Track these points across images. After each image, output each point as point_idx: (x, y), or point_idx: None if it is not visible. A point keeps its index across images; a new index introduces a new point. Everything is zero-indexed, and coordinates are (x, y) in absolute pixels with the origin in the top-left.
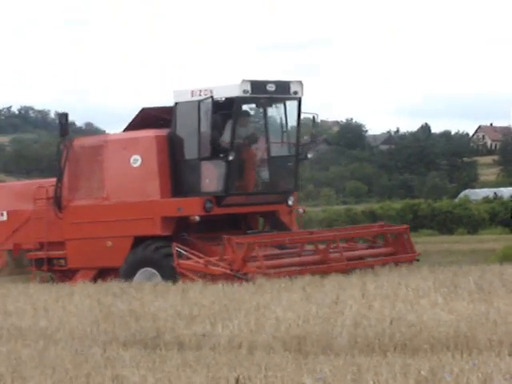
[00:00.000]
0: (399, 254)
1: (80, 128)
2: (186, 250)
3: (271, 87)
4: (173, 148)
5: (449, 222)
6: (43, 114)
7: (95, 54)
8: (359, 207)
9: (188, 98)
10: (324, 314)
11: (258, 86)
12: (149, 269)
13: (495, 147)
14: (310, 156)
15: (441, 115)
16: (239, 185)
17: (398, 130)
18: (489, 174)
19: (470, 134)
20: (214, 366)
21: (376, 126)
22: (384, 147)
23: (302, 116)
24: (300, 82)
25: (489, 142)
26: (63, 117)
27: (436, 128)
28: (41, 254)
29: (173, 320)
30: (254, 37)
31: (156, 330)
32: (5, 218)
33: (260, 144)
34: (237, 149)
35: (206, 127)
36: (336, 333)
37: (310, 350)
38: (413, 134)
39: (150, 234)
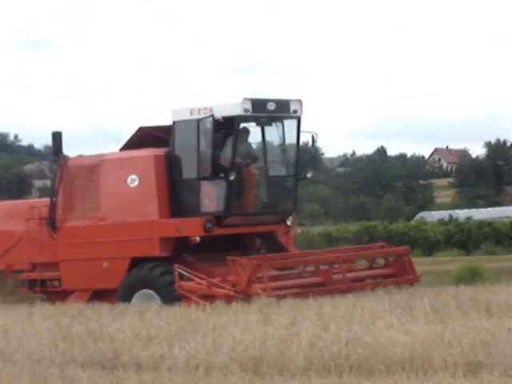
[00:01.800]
0: (400, 275)
1: (39, 151)
2: (187, 272)
3: (271, 106)
4: (171, 167)
5: (404, 244)
6: (3, 136)
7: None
8: (315, 229)
9: (187, 116)
10: (280, 336)
11: (258, 105)
12: (147, 291)
13: (451, 169)
14: (309, 175)
15: (396, 137)
16: (239, 205)
17: (354, 153)
18: (444, 196)
19: (426, 156)
20: None
21: (332, 148)
22: (340, 170)
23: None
24: (299, 101)
25: (445, 165)
26: (57, 135)
27: (392, 151)
28: (34, 275)
29: (130, 341)
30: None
31: (114, 351)
32: None
33: (259, 163)
34: (237, 168)
35: (206, 146)
36: (292, 354)
37: (266, 371)
38: (369, 157)
39: (148, 256)
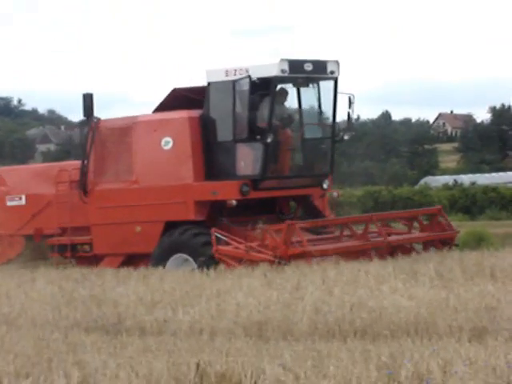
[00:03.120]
0: (440, 236)
1: (42, 115)
2: (225, 236)
3: (308, 66)
4: (206, 130)
5: (409, 209)
6: (6, 101)
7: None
8: None
9: (222, 77)
10: (285, 300)
11: (295, 66)
12: (182, 255)
13: (455, 134)
14: (346, 138)
15: (401, 102)
16: (275, 168)
17: (358, 118)
18: (449, 161)
19: (431, 121)
20: (175, 352)
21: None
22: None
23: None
24: (336, 62)
25: (449, 130)
26: (88, 97)
27: (396, 115)
28: (64, 239)
29: (134, 306)
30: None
31: (117, 315)
32: (23, 202)
33: (295, 125)
34: (274, 130)
35: (242, 108)
36: (296, 319)
37: (270, 336)
38: (373, 122)
39: (183, 219)
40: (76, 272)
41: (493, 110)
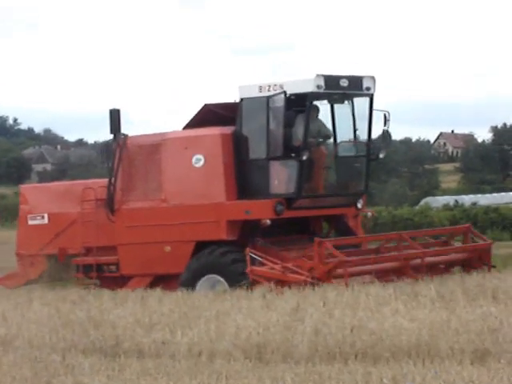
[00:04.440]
0: (474, 262)
1: (38, 134)
2: (260, 256)
3: (344, 82)
4: (238, 147)
5: (410, 229)
6: (1, 119)
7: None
8: None
9: (256, 93)
10: (284, 322)
11: (331, 81)
12: (214, 276)
13: (456, 154)
14: (381, 156)
15: (401, 122)
16: (310, 186)
17: (358, 137)
18: (450, 181)
19: (431, 140)
20: (174, 374)
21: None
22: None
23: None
24: (373, 78)
25: (450, 149)
26: (115, 113)
27: (397, 135)
28: (89, 259)
29: (132, 328)
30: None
31: (115, 337)
32: (46, 221)
33: (329, 143)
34: (309, 148)
35: (276, 124)
36: (297, 341)
37: (270, 358)
38: (373, 141)
39: (215, 239)
40: (73, 293)
41: (494, 129)
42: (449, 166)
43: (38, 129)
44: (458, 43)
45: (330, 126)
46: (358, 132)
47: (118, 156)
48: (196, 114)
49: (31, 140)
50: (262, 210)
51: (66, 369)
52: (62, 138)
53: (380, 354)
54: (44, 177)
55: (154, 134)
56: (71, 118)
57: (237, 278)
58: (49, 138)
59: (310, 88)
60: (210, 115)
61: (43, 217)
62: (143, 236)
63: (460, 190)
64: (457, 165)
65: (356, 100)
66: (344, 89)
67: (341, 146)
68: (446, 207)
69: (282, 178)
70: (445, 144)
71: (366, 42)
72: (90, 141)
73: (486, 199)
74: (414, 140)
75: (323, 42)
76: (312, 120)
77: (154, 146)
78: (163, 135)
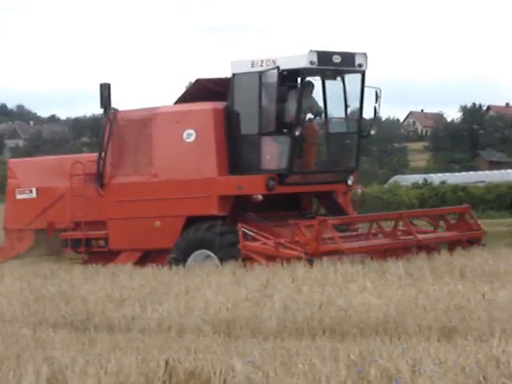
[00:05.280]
0: (465, 237)
1: (12, 110)
2: (253, 231)
3: (337, 59)
4: (229, 122)
5: (378, 208)
6: None
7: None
8: None
9: (248, 68)
10: (253, 298)
11: (324, 57)
12: (203, 251)
13: (426, 133)
14: (372, 133)
15: (371, 100)
16: (301, 162)
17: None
18: (419, 160)
19: (401, 119)
20: (144, 349)
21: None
22: None
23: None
24: (365, 54)
25: (419, 128)
26: (105, 88)
27: (366, 113)
28: (78, 234)
29: (103, 303)
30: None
31: (86, 312)
32: (34, 195)
33: (320, 119)
34: (301, 124)
35: (269, 100)
36: (265, 316)
37: (239, 333)
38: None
39: (206, 214)
40: (45, 268)
41: (463, 109)
42: (418, 145)
43: (11, 105)
44: (428, 22)
45: (321, 102)
46: (349, 109)
47: (108, 130)
48: (187, 89)
49: (4, 116)
50: (253, 186)
51: (37, 343)
52: (35, 114)
53: (348, 331)
54: (17, 153)
55: (145, 109)
56: (44, 94)
57: (226, 249)
58: (22, 114)
59: (303, 64)
60: (201, 90)
61: (31, 191)
62: (133, 211)
63: (429, 168)
64: (426, 144)
65: (347, 77)
66: (337, 65)
67: (332, 122)
68: (415, 186)
69: (273, 153)
70: (414, 123)
71: (333, 21)
72: (63, 117)
73: (454, 178)
74: (383, 119)
75: (293, 20)
76: (305, 96)
77: (145, 121)
78: (154, 109)
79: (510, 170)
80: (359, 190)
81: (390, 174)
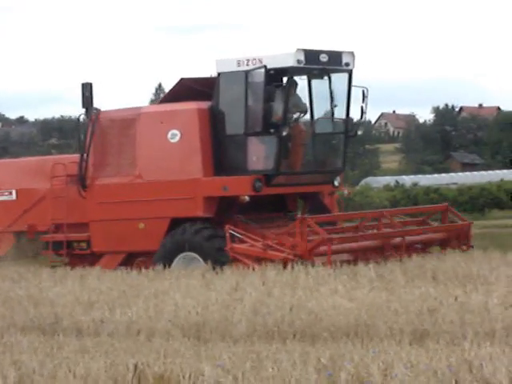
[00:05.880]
0: (453, 242)
1: None
2: (240, 233)
3: (324, 58)
4: (215, 122)
5: (350, 209)
6: None
7: None
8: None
9: (234, 67)
10: (223, 301)
11: (311, 56)
12: (190, 254)
13: (398, 135)
14: (360, 133)
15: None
16: (288, 163)
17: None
18: (391, 161)
19: (373, 121)
20: (113, 353)
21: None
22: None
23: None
24: (352, 53)
25: (391, 130)
26: (87, 87)
27: (338, 114)
28: (59, 236)
29: (71, 306)
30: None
31: (54, 315)
32: (14, 197)
33: (306, 119)
34: (289, 124)
35: (255, 100)
36: (235, 320)
37: (208, 337)
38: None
39: (191, 216)
40: (13, 271)
41: (436, 110)
42: (390, 147)
43: None
44: (400, 23)
45: (307, 102)
46: (336, 108)
47: (91, 131)
48: (172, 89)
49: None
50: (240, 187)
51: (5, 347)
52: (3, 115)
53: (318, 334)
54: None
55: (129, 109)
56: (12, 96)
57: (213, 254)
58: None
59: (290, 62)
60: (186, 90)
61: (11, 193)
62: (116, 212)
63: (401, 170)
64: (398, 145)
65: (333, 76)
66: (324, 64)
67: (318, 122)
68: (387, 188)
69: (260, 154)
70: (386, 124)
71: (305, 21)
72: (31, 118)
73: (426, 180)
74: (355, 120)
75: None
76: (290, 95)
77: (129, 121)
78: (138, 109)
79: (482, 172)
80: (345, 192)
81: (362, 176)
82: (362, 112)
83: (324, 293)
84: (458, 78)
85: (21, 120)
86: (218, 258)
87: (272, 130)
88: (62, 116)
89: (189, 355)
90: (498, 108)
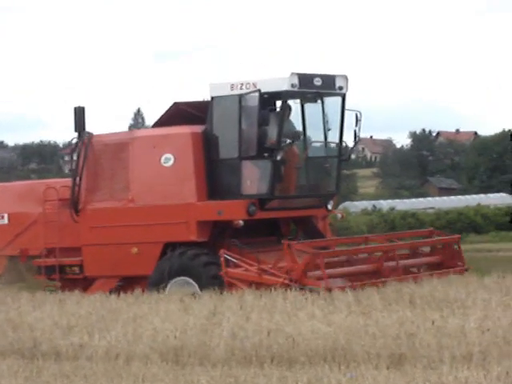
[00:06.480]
0: (447, 263)
1: None
2: (235, 258)
3: (318, 81)
4: (209, 146)
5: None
6: None
7: None
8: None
9: (227, 91)
10: (201, 325)
11: (305, 80)
12: (184, 278)
13: (375, 159)
14: (353, 157)
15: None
16: (282, 187)
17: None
18: (368, 186)
19: (350, 146)
20: (91, 377)
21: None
22: None
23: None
24: (345, 77)
25: (368, 155)
26: (80, 111)
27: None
28: (51, 260)
29: (50, 330)
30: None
31: (33, 340)
32: (5, 221)
33: (300, 143)
34: (283, 148)
35: (249, 124)
36: (213, 344)
37: (187, 361)
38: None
39: (184, 240)
40: None
41: (413, 135)
42: (367, 172)
43: None
44: (376, 48)
45: (300, 126)
46: (329, 132)
47: (83, 155)
48: (165, 113)
49: None
50: (234, 211)
51: None
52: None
53: (296, 358)
54: None
55: (121, 133)
56: None
57: (209, 281)
58: None
59: (284, 86)
60: (179, 114)
61: (3, 217)
62: (109, 237)
63: (378, 195)
64: (375, 170)
65: (326, 100)
66: (318, 88)
67: (312, 146)
68: (364, 212)
69: (254, 178)
70: (363, 149)
71: (281, 44)
72: (11, 143)
73: (404, 204)
74: (332, 145)
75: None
76: (285, 119)
77: (121, 145)
78: (131, 133)
79: (459, 197)
80: (339, 215)
81: (340, 201)
82: (356, 136)
83: (302, 317)
84: (435, 103)
85: (1, 145)
86: (214, 285)
87: (266, 154)
88: (41, 141)
89: (167, 379)
90: (475, 133)
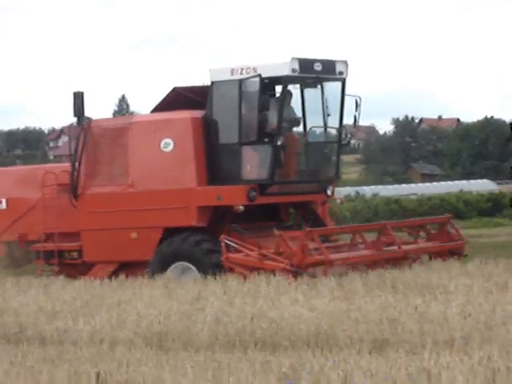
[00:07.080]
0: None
1: None
2: (236, 243)
3: (318, 66)
4: (209, 131)
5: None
6: None
7: None
8: None
9: (228, 76)
10: (185, 311)
11: (305, 65)
12: (185, 263)
13: (358, 146)
14: (353, 142)
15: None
16: (282, 172)
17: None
18: (351, 172)
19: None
20: (76, 361)
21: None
22: None
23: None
24: (345, 62)
25: (352, 141)
26: (79, 96)
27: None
28: (50, 245)
29: (35, 315)
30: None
31: (18, 325)
32: (4, 206)
33: (299, 128)
34: (283, 133)
35: (250, 109)
36: (197, 329)
37: (171, 346)
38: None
39: (184, 225)
40: None
41: (396, 121)
42: (350, 158)
43: None
44: (360, 34)
45: (300, 111)
46: (329, 117)
47: (82, 140)
48: (164, 98)
49: None
50: (234, 196)
51: None
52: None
53: (279, 343)
54: None
55: (121, 117)
56: None
57: (210, 268)
58: None
59: (285, 71)
60: (178, 99)
61: (1, 202)
62: (108, 222)
63: (361, 181)
64: (358, 156)
65: (326, 85)
66: (318, 73)
67: (312, 131)
68: (347, 198)
69: (254, 163)
70: (347, 135)
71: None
72: None
73: (387, 190)
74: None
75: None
76: (286, 105)
77: (121, 130)
78: (130, 118)
79: (442, 183)
80: (338, 201)
81: None
82: (355, 121)
83: (285, 302)
84: (418, 89)
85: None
86: (215, 272)
87: (266, 140)
88: (26, 127)
89: (151, 364)
90: (458, 120)
